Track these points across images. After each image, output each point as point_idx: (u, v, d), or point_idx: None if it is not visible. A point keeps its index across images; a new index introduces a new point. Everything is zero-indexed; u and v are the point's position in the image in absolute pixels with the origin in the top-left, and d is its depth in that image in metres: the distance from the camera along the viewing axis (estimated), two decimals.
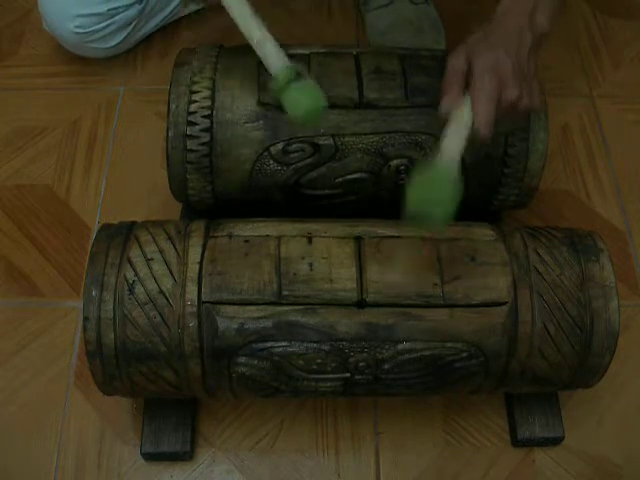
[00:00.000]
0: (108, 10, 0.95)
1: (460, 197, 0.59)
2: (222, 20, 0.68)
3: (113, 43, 1.00)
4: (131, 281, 0.61)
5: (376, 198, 0.75)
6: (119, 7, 0.96)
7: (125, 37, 1.01)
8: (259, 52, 0.65)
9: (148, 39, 1.08)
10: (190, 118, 0.70)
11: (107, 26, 0.97)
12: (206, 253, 0.63)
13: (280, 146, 0.70)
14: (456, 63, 0.64)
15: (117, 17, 0.97)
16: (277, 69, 0.63)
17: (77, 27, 0.96)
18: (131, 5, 0.97)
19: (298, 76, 0.63)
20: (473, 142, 0.62)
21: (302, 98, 0.62)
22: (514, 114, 0.64)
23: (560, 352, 0.63)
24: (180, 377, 0.63)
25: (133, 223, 0.67)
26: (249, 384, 0.64)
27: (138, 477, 0.74)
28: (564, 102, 1.03)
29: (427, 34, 1.02)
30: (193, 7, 1.09)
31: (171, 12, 1.06)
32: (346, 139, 0.70)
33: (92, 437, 0.76)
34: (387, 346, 0.62)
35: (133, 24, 1.00)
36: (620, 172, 0.97)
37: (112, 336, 0.61)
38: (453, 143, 0.61)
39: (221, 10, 0.67)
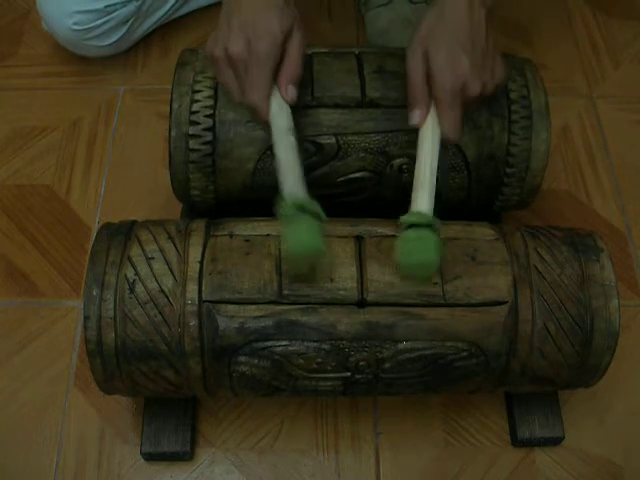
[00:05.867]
0: (105, 7, 0.96)
1: (441, 249, 0.61)
2: None
3: (111, 41, 1.01)
4: (132, 280, 0.61)
5: (379, 197, 0.75)
6: (116, 4, 0.97)
7: (123, 35, 1.01)
8: (279, 171, 0.63)
9: (148, 39, 1.08)
10: (192, 118, 0.70)
11: (105, 23, 0.97)
12: (207, 252, 0.63)
13: None
14: (415, 67, 0.64)
15: (114, 14, 0.97)
16: (286, 195, 0.61)
17: (75, 24, 0.96)
18: (128, 2, 0.98)
19: (303, 212, 0.60)
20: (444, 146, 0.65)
21: (295, 239, 0.59)
22: (483, 99, 0.66)
23: (560, 351, 0.63)
24: (181, 376, 0.63)
25: (134, 222, 0.67)
26: (249, 383, 0.64)
27: (138, 477, 0.74)
28: (564, 102, 1.04)
29: None
30: (192, 6, 1.10)
31: (169, 10, 1.06)
32: (349, 138, 0.70)
33: (92, 437, 0.76)
34: (387, 345, 0.62)
35: (131, 21, 1.01)
36: (620, 172, 0.97)
37: (113, 335, 0.61)
38: (426, 186, 0.63)
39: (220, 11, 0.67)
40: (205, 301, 0.61)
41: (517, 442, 0.75)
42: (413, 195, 0.64)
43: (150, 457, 0.73)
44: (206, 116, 0.70)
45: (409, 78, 0.65)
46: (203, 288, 0.61)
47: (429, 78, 0.64)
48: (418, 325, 0.62)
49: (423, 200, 0.63)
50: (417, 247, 0.60)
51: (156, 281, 0.61)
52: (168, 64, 0.99)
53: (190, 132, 0.70)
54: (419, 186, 0.63)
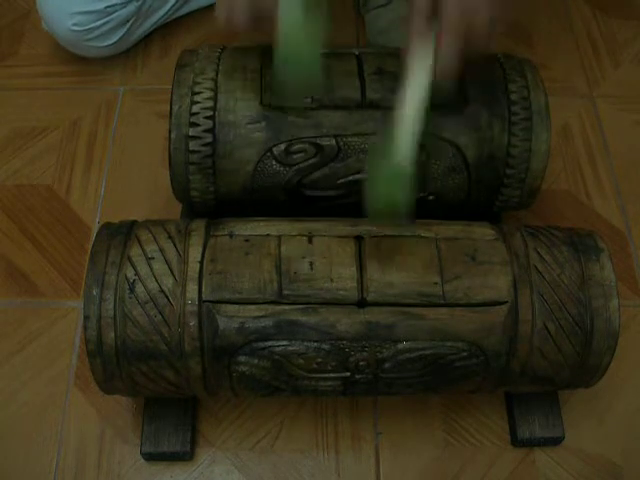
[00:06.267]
0: (105, 7, 0.96)
1: (416, 184, 0.59)
2: None
3: (111, 41, 1.01)
4: (132, 280, 0.61)
5: None
6: (116, 4, 0.97)
7: (123, 35, 1.01)
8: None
9: (148, 39, 1.08)
10: (192, 119, 0.70)
11: (105, 23, 0.97)
12: (207, 252, 0.63)
13: (282, 147, 0.70)
14: None
15: (114, 14, 0.97)
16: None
17: (75, 25, 0.96)
18: (128, 2, 0.98)
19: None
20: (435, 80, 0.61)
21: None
22: (485, 44, 0.63)
23: (560, 351, 0.63)
24: (181, 376, 0.63)
25: (134, 222, 0.67)
26: (249, 383, 0.64)
27: (138, 477, 0.74)
28: (564, 102, 1.04)
29: None
30: (192, 6, 1.10)
31: (169, 10, 1.06)
32: (348, 139, 0.70)
33: (92, 437, 0.76)
34: (387, 345, 0.62)
35: (131, 22, 1.01)
36: (620, 172, 0.97)
37: (113, 335, 0.61)
38: (410, 112, 0.59)
39: None
40: (205, 301, 0.61)
41: (517, 442, 0.75)
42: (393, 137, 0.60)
43: (150, 457, 0.73)
44: (206, 117, 0.70)
45: (413, 3, 0.61)
46: (203, 288, 0.61)
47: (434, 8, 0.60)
48: (418, 325, 0.62)
49: (401, 148, 0.59)
50: (386, 191, 0.59)
51: (156, 281, 0.61)
52: (168, 64, 0.99)
53: (190, 134, 0.70)
54: (399, 128, 0.60)
